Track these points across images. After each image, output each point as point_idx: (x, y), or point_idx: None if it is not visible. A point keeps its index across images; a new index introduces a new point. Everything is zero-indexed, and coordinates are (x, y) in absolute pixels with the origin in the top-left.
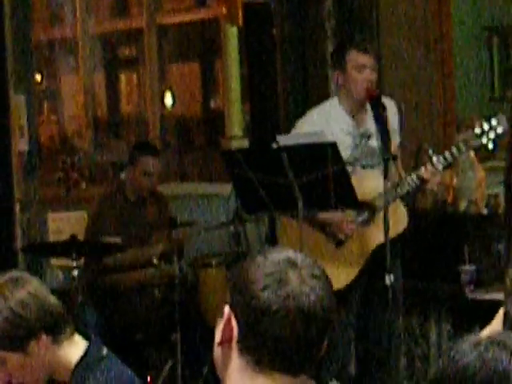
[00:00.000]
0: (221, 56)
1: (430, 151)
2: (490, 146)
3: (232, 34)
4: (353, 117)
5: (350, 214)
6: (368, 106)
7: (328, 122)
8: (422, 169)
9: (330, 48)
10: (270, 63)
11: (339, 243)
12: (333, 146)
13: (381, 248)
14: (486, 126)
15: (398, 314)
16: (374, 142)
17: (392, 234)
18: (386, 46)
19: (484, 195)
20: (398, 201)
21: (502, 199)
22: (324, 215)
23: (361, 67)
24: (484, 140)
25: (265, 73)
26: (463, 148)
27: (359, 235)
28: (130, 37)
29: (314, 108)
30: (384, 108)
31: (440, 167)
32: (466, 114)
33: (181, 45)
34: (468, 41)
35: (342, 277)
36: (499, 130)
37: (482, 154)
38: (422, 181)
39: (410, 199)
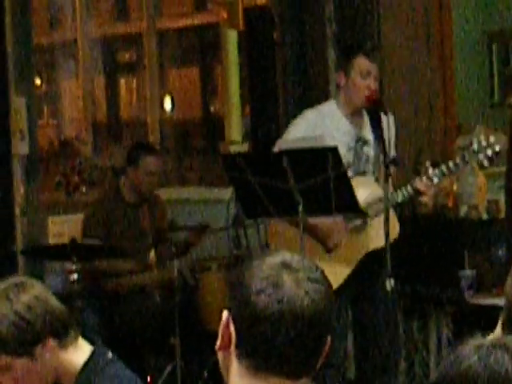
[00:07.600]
0: (220, 60)
1: (428, 163)
2: (486, 163)
3: (232, 38)
4: (350, 120)
5: (342, 221)
6: (365, 115)
7: (324, 122)
8: (417, 180)
9: (331, 52)
10: (270, 67)
11: (329, 250)
12: (334, 150)
13: (369, 256)
14: (483, 143)
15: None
16: (370, 150)
17: (381, 243)
18: (387, 51)
19: (484, 200)
20: (391, 211)
21: (502, 204)
22: (315, 221)
23: (366, 74)
24: (481, 156)
25: (265, 77)
26: (460, 163)
27: (349, 242)
28: (130, 41)
29: (309, 109)
30: (380, 117)
31: (435, 180)
32: (467, 119)
33: (180, 49)
34: (468, 46)
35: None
36: (497, 148)
37: None
38: (417, 192)
39: (405, 208)
